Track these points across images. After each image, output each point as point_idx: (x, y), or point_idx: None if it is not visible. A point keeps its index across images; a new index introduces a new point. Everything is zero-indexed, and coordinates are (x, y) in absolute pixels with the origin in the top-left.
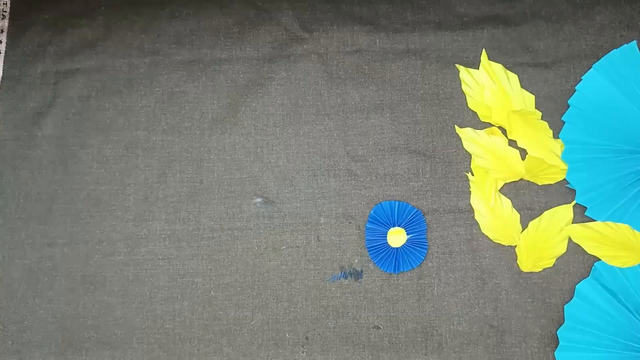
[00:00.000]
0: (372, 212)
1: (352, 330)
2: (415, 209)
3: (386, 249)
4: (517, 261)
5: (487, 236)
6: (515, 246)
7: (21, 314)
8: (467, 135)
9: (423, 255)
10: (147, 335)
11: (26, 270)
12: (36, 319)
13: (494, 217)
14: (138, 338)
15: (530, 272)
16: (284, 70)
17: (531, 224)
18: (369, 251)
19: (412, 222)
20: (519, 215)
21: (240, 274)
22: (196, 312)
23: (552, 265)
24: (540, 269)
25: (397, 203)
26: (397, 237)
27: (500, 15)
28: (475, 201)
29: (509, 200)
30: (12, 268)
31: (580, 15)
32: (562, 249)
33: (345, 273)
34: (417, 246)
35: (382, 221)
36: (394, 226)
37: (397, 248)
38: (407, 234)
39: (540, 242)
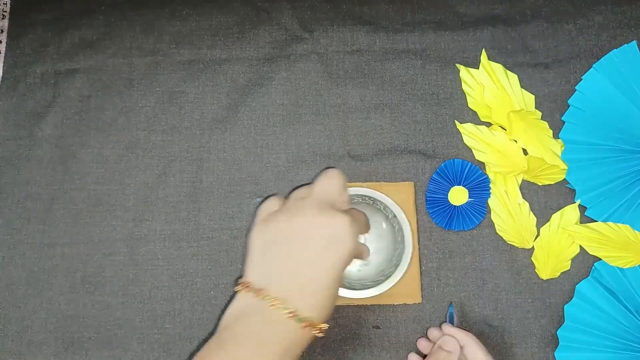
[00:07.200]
0: (442, 165)
1: (352, 330)
2: (485, 175)
3: (444, 204)
4: (536, 270)
5: (501, 237)
6: (525, 249)
7: (21, 314)
8: (468, 131)
9: (478, 221)
10: (147, 335)
11: (26, 270)
12: (36, 319)
13: (511, 219)
14: (138, 338)
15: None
16: (284, 70)
17: (542, 230)
18: (427, 202)
19: (477, 187)
20: (535, 219)
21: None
22: (196, 312)
23: (569, 268)
24: (559, 274)
25: (468, 164)
26: (458, 195)
27: (500, 15)
28: (493, 202)
29: (527, 204)
30: (12, 268)
31: (580, 15)
32: (575, 249)
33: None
34: (474, 210)
35: (448, 177)
36: (458, 184)
37: (455, 206)
38: (469, 197)
39: (554, 247)
